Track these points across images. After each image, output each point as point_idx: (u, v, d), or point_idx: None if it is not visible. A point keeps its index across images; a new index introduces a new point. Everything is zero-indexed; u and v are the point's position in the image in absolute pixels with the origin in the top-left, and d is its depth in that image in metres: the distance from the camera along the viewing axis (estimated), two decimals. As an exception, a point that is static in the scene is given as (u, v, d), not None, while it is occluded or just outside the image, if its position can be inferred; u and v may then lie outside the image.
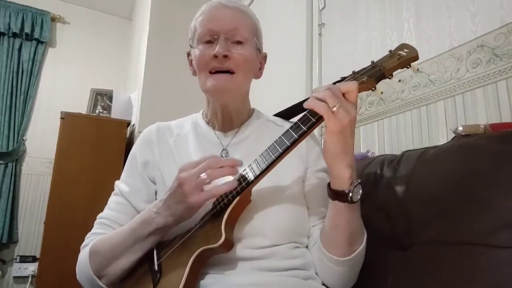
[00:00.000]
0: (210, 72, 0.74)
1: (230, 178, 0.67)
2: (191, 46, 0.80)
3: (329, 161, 0.63)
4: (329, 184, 0.66)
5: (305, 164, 0.79)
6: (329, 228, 0.68)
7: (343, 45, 1.56)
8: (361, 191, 0.63)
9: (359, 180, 0.63)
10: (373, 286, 0.72)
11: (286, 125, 0.84)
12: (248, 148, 0.78)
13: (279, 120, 0.87)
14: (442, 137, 1.04)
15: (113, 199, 0.80)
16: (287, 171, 0.74)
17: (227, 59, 0.72)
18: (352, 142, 0.62)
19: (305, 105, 0.61)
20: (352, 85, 0.61)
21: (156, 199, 0.79)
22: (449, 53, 1.06)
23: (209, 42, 0.74)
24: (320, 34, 1.72)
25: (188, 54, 0.84)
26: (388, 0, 1.33)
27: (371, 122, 1.33)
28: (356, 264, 0.69)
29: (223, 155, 0.78)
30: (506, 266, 0.52)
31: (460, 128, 0.82)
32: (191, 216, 0.65)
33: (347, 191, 0.62)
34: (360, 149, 1.35)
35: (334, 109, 0.58)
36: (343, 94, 0.61)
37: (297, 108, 0.82)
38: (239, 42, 0.75)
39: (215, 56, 0.72)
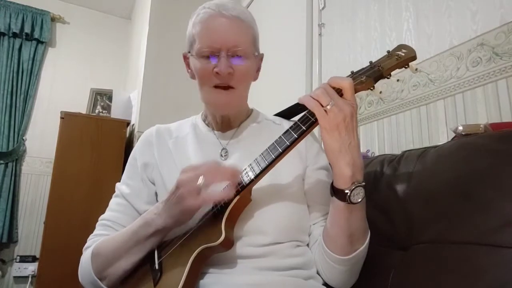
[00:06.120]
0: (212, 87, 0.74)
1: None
2: (189, 52, 0.79)
3: (329, 159, 0.63)
4: (333, 181, 0.66)
5: (304, 162, 0.79)
6: (330, 225, 0.68)
7: (343, 45, 1.55)
8: (362, 194, 0.62)
9: (363, 183, 0.62)
10: (374, 286, 0.72)
11: (285, 123, 0.84)
12: (247, 147, 0.79)
13: (277, 119, 0.87)
14: (442, 137, 1.04)
15: (114, 201, 0.81)
16: (286, 170, 0.74)
17: (229, 75, 0.72)
18: (351, 140, 0.61)
19: (298, 99, 0.63)
20: (346, 82, 0.61)
21: (156, 200, 0.79)
22: (449, 52, 1.06)
23: (209, 56, 0.72)
24: (320, 34, 1.72)
25: (185, 57, 0.82)
26: (387, 0, 1.33)
27: (370, 122, 1.33)
28: (357, 263, 0.69)
29: (223, 155, 0.79)
30: (508, 266, 0.52)
31: (460, 128, 0.82)
32: (189, 219, 0.65)
33: (346, 191, 0.61)
34: (360, 149, 1.35)
35: (328, 107, 0.59)
36: (340, 92, 0.61)
37: (297, 108, 0.82)
38: (239, 56, 0.73)
39: (217, 73, 0.71)
